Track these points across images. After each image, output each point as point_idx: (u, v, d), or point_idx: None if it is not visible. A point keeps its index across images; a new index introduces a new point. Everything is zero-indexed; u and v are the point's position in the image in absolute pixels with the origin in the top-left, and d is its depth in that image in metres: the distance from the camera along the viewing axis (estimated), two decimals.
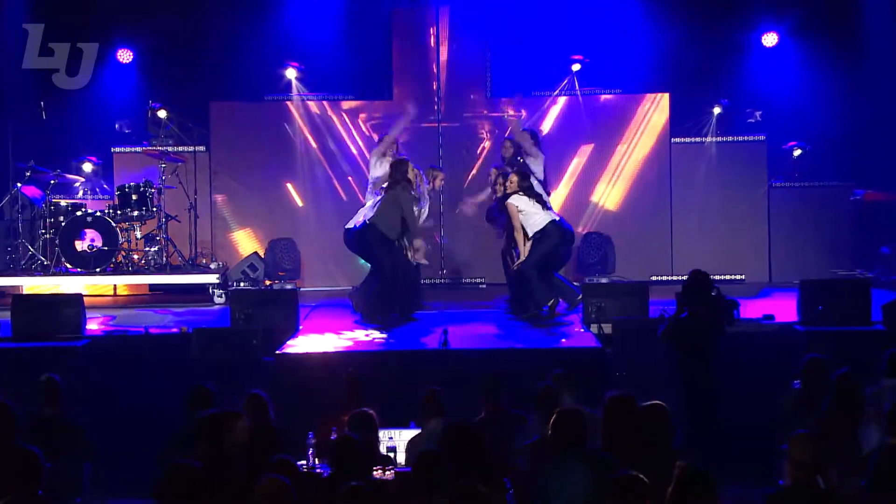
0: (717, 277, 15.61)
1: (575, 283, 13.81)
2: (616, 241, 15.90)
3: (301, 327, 12.50)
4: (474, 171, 16.30)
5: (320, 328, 12.64)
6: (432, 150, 16.15)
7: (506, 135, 14.78)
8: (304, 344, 11.79)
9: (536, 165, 13.40)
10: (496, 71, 16.55)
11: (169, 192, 15.47)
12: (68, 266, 14.81)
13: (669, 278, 15.44)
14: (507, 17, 16.28)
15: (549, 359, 10.71)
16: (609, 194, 16.51)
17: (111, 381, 11.43)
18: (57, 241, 14.74)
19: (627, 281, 14.60)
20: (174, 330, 12.40)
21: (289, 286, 14.90)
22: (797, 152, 16.24)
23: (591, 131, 16.54)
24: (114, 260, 14.89)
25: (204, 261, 15.53)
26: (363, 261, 14.22)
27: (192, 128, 15.98)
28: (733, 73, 16.51)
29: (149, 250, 15.15)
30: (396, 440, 8.61)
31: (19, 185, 15.14)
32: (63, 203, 15.10)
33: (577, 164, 16.50)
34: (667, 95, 16.43)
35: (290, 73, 16.42)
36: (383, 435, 8.51)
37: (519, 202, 12.64)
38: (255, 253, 15.81)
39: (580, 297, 12.78)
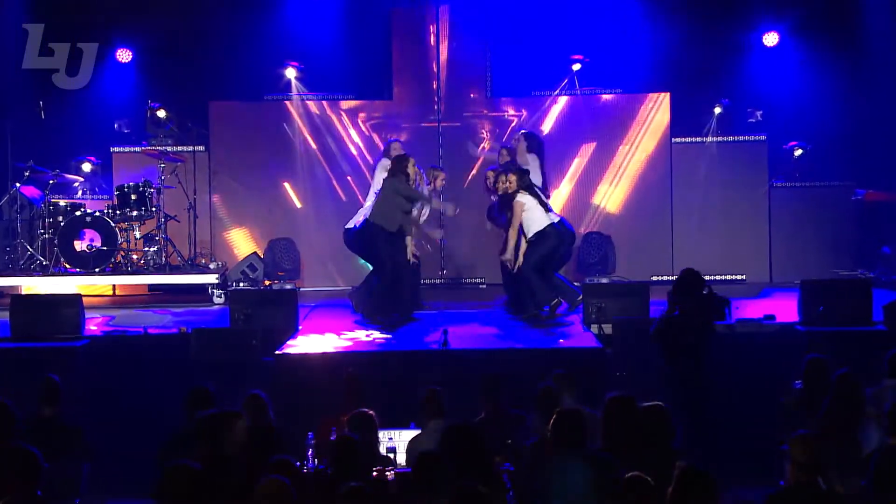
0: (717, 277, 15.81)
1: (575, 284, 13.80)
2: (616, 241, 15.87)
3: (300, 327, 12.48)
4: (474, 171, 16.27)
5: (320, 328, 12.62)
6: (432, 150, 16.13)
7: (502, 141, 14.78)
8: (304, 344, 11.77)
9: (533, 171, 13.37)
10: (496, 70, 16.53)
11: (168, 191, 15.45)
12: (67, 266, 14.79)
13: (670, 278, 15.20)
14: (507, 16, 16.26)
15: (549, 359, 10.70)
16: (610, 195, 16.48)
17: (110, 381, 11.44)
18: (56, 241, 14.72)
19: (628, 281, 14.58)
20: (173, 330, 12.40)
21: (288, 286, 14.89)
22: (798, 152, 16.22)
23: (592, 131, 16.51)
24: (113, 260, 14.86)
25: (203, 261, 15.50)
26: (363, 261, 14.22)
27: (191, 127, 15.95)
28: (734, 73, 16.48)
29: (148, 250, 15.12)
30: (396, 440, 8.58)
31: (18, 184, 15.12)
32: (62, 203, 15.08)
33: (578, 164, 16.47)
34: (667, 95, 16.40)
35: (290, 73, 16.40)
36: (383, 435, 8.49)
37: (526, 199, 12.60)
38: (255, 253, 15.79)
39: (580, 297, 12.77)
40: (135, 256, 15.16)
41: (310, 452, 8.27)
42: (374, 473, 7.71)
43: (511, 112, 16.55)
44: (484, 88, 16.62)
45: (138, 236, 15.25)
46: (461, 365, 10.95)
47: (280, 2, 16.32)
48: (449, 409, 8.70)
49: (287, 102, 16.56)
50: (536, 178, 13.37)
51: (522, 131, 14.44)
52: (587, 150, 16.47)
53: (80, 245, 14.80)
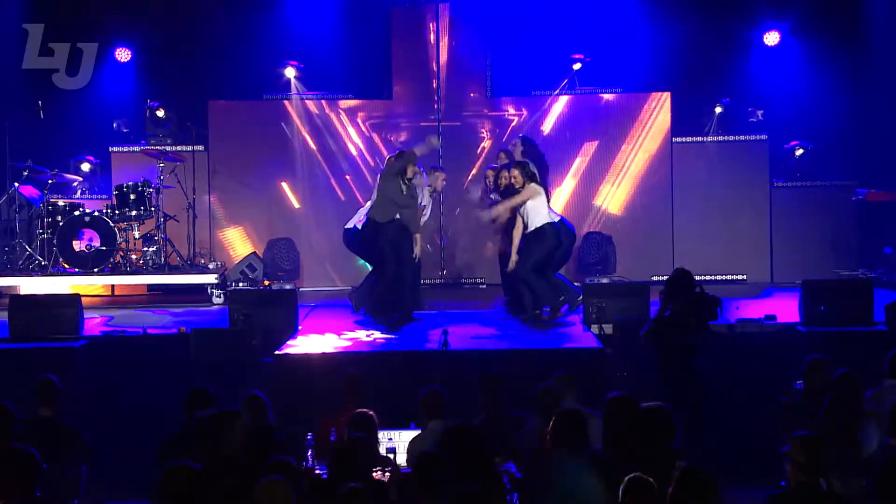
0: (718, 277, 15.82)
1: (576, 284, 13.77)
2: (617, 240, 15.85)
3: (300, 328, 12.46)
4: (474, 171, 16.26)
5: (319, 328, 12.60)
6: (432, 150, 16.06)
7: (502, 141, 14.74)
8: (303, 344, 11.74)
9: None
10: (496, 70, 16.51)
11: (167, 191, 15.43)
12: (66, 266, 14.77)
13: None
14: (507, 15, 16.24)
15: (549, 359, 10.66)
16: (612, 194, 16.45)
17: (109, 381, 11.44)
18: (55, 241, 14.70)
19: (628, 281, 14.55)
20: (172, 330, 12.38)
21: (288, 286, 14.86)
22: (799, 152, 16.20)
23: (593, 131, 16.49)
24: (112, 260, 14.85)
25: (202, 261, 15.47)
26: (363, 261, 14.20)
27: (190, 127, 15.92)
28: (735, 72, 16.47)
29: (147, 250, 15.10)
30: (396, 441, 8.56)
31: (17, 184, 15.11)
32: (61, 203, 15.06)
33: (579, 164, 16.44)
34: (668, 95, 16.37)
35: (290, 72, 16.39)
36: (383, 436, 8.47)
37: (539, 189, 12.51)
38: (254, 253, 15.77)
39: (581, 297, 12.74)
40: (134, 256, 15.14)
41: (309, 453, 8.25)
42: (374, 474, 7.69)
43: (511, 111, 16.53)
44: (484, 88, 16.60)
45: (137, 236, 15.23)
46: (461, 365, 10.92)
47: (279, 1, 16.32)
48: (449, 409, 8.68)
49: (286, 102, 16.54)
50: None
51: (520, 136, 14.37)
52: (588, 150, 16.45)
53: (78, 245, 14.78)
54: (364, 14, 16.36)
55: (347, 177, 16.43)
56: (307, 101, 16.53)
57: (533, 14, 16.20)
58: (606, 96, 16.56)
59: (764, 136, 16.26)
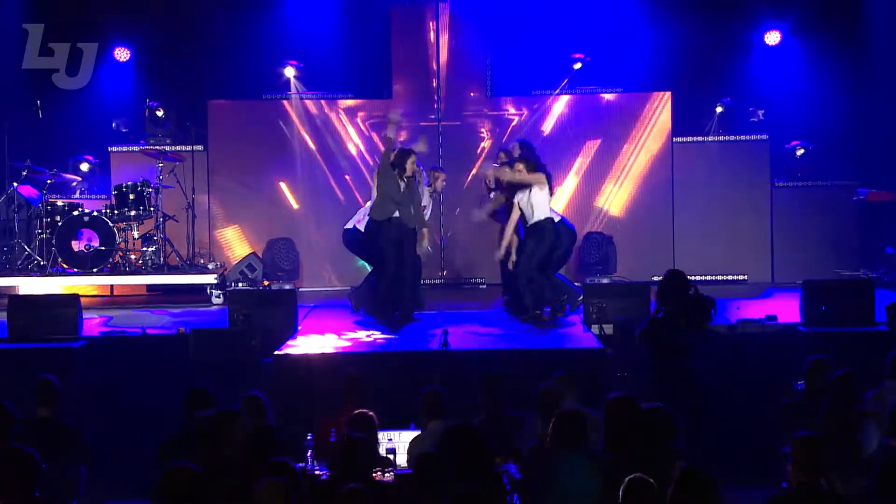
0: (719, 277, 15.81)
1: (576, 284, 13.75)
2: (617, 240, 15.82)
3: (300, 328, 12.43)
4: (474, 171, 16.23)
5: (319, 329, 12.57)
6: (432, 149, 16.01)
7: (502, 140, 14.70)
8: (303, 345, 11.72)
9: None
10: (496, 69, 16.49)
11: (166, 191, 15.40)
12: (65, 266, 14.75)
13: None
14: (507, 14, 16.22)
15: (549, 360, 10.64)
16: (613, 194, 16.41)
17: (108, 382, 11.43)
18: (53, 241, 14.67)
19: (629, 281, 14.51)
20: (172, 331, 12.36)
21: (287, 286, 14.83)
22: (800, 151, 16.18)
23: (594, 131, 16.46)
24: (111, 260, 14.82)
25: (202, 261, 15.44)
26: (362, 262, 14.17)
27: (189, 126, 15.89)
28: (735, 72, 16.44)
29: (146, 250, 15.07)
30: (396, 441, 8.55)
31: (15, 184, 15.08)
32: (60, 203, 15.04)
33: (580, 163, 16.40)
34: (669, 94, 16.35)
35: (289, 72, 16.36)
36: (383, 436, 8.46)
37: (545, 180, 12.46)
38: (254, 253, 15.75)
39: (581, 297, 12.72)
40: (133, 256, 15.11)
41: (308, 454, 8.23)
42: (374, 475, 7.68)
43: (511, 111, 16.50)
44: (484, 87, 16.58)
45: (136, 236, 15.20)
46: (461, 365, 10.90)
47: (279, 0, 16.29)
48: (449, 409, 8.67)
49: (286, 102, 16.52)
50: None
51: (517, 140, 14.26)
52: (589, 150, 16.41)
53: (77, 245, 14.76)
54: (364, 13, 16.34)
55: (347, 176, 16.40)
56: (306, 101, 16.50)
57: (533, 13, 16.18)
58: (607, 96, 16.54)
59: (765, 136, 16.24)
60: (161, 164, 15.29)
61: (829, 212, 16.06)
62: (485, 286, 16.01)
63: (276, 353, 11.30)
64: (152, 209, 15.07)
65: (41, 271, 14.68)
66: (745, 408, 10.86)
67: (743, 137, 16.27)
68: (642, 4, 16.14)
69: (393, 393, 10.18)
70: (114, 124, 16.34)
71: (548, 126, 16.36)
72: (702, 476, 6.15)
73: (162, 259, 15.05)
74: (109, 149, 16.31)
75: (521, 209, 12.50)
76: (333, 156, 16.44)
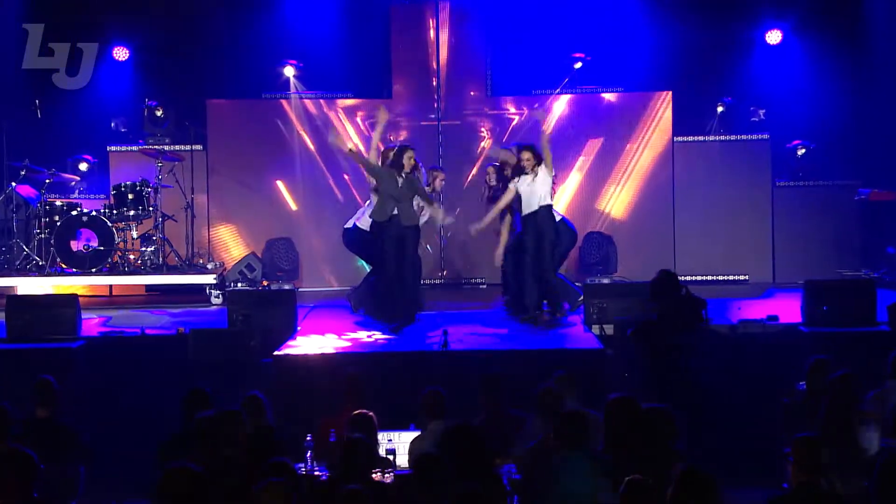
0: (720, 277, 15.77)
1: (577, 284, 13.71)
2: (618, 240, 15.78)
3: (299, 328, 12.40)
4: (474, 171, 16.20)
5: (319, 329, 12.55)
6: (432, 149, 16.04)
7: (502, 140, 14.67)
8: (303, 345, 11.69)
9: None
10: (497, 68, 16.46)
11: (165, 191, 15.38)
12: (64, 266, 14.72)
13: None
14: (507, 13, 16.19)
15: (549, 360, 10.61)
16: (615, 194, 16.36)
17: (107, 382, 11.41)
18: (52, 241, 14.65)
19: (629, 281, 14.47)
20: (171, 331, 12.34)
21: (287, 286, 14.81)
22: (801, 151, 16.15)
23: (594, 130, 16.42)
24: (110, 260, 14.79)
25: (201, 261, 15.42)
26: (362, 261, 14.14)
27: (188, 126, 15.85)
28: (736, 71, 16.42)
29: (145, 250, 15.04)
30: (396, 442, 8.53)
31: (14, 184, 15.06)
32: (58, 202, 15.02)
33: (581, 163, 16.34)
34: (669, 94, 16.32)
35: (289, 71, 16.33)
36: (382, 437, 8.45)
37: (548, 174, 12.44)
38: (253, 253, 15.72)
39: (581, 297, 12.69)
40: (132, 256, 15.08)
41: (308, 455, 8.20)
42: (374, 475, 7.65)
43: (512, 110, 16.48)
44: (484, 86, 16.54)
45: (135, 236, 15.17)
46: (461, 366, 10.87)
47: None
48: (449, 409, 8.65)
49: (285, 101, 16.48)
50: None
51: (515, 144, 14.17)
52: (590, 149, 16.36)
53: (76, 245, 14.74)
54: (363, 12, 16.31)
55: (346, 176, 16.35)
56: (306, 101, 16.46)
57: (533, 12, 16.15)
58: (608, 96, 16.50)
59: (766, 136, 16.20)
60: (160, 164, 15.26)
61: (830, 211, 16.02)
62: (485, 286, 15.98)
63: (276, 353, 11.28)
64: (151, 209, 15.04)
65: (40, 271, 14.65)
66: (745, 408, 10.85)
67: (744, 137, 16.23)
68: (643, 4, 16.11)
69: (393, 393, 10.16)
70: (112, 124, 16.31)
71: (548, 125, 16.27)
72: (702, 476, 6.15)
73: (161, 259, 15.02)
74: (108, 148, 16.28)
75: (519, 194, 12.41)
76: (333, 155, 16.38)
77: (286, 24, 16.21)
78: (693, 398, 10.02)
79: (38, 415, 8.92)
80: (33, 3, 16.30)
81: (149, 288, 15.41)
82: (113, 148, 16.27)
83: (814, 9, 16.15)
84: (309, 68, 16.38)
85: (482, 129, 16.55)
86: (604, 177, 16.39)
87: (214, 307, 14.32)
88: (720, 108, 16.19)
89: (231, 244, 16.40)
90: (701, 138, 16.35)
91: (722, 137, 16.26)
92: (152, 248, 15.03)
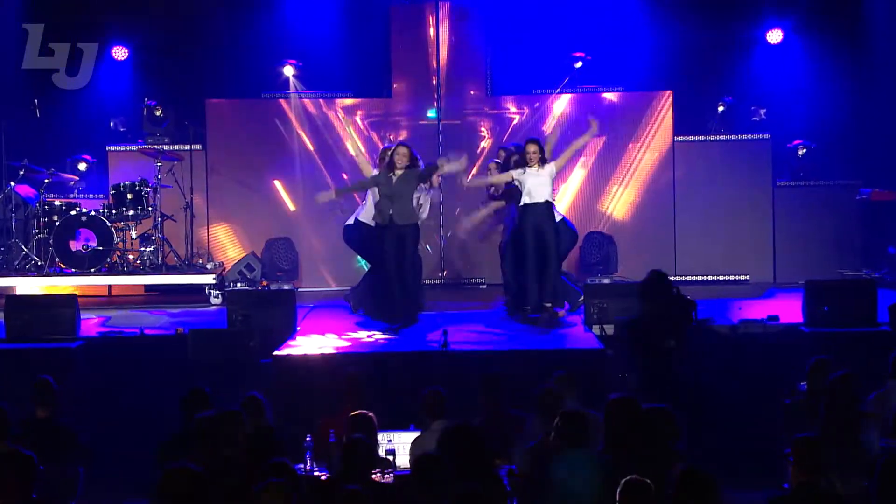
0: (721, 277, 15.78)
1: (577, 284, 13.69)
2: (618, 240, 15.75)
3: (299, 328, 12.38)
4: (474, 171, 16.13)
5: (318, 329, 12.53)
6: (432, 149, 16.00)
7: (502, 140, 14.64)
8: (302, 345, 11.67)
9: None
10: (497, 67, 16.43)
11: (165, 191, 15.35)
12: (62, 266, 14.70)
13: (673, 279, 15.21)
14: (508, 12, 16.17)
15: (549, 360, 10.60)
16: (617, 194, 16.33)
17: (106, 383, 11.41)
18: (51, 241, 14.62)
19: (630, 281, 14.42)
20: (170, 331, 12.33)
21: (286, 287, 14.78)
22: (802, 151, 16.13)
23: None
24: (109, 260, 14.76)
25: (200, 261, 15.40)
26: (361, 261, 14.11)
27: (188, 126, 15.84)
28: (737, 71, 16.40)
29: (144, 250, 15.02)
30: (396, 443, 8.52)
31: (13, 183, 15.03)
32: (57, 202, 15.00)
33: (582, 163, 16.29)
34: (670, 93, 16.30)
35: (288, 71, 16.30)
36: (382, 437, 8.43)
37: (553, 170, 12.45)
38: (252, 253, 15.69)
39: (582, 297, 12.67)
40: (131, 256, 15.06)
41: (308, 455, 8.19)
42: (374, 476, 7.64)
43: (512, 110, 16.45)
44: (484, 86, 16.52)
45: (134, 236, 15.14)
46: (461, 366, 10.86)
47: None
48: (449, 409, 8.65)
49: (284, 101, 16.45)
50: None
51: (512, 144, 14.14)
52: (591, 149, 16.29)
53: (75, 245, 14.73)
54: (363, 12, 16.29)
55: (345, 176, 16.29)
56: (305, 100, 16.43)
57: (534, 12, 16.12)
58: (608, 95, 16.47)
59: (767, 135, 16.18)
60: (159, 164, 15.23)
61: (831, 211, 16.00)
62: (485, 286, 15.96)
63: (276, 353, 11.26)
64: (150, 209, 15.02)
65: (38, 271, 14.62)
66: (746, 408, 10.84)
67: (745, 137, 16.20)
68: (643, 3, 16.09)
69: (392, 394, 10.16)
70: (112, 123, 16.29)
71: (549, 125, 16.29)
72: (702, 476, 6.17)
73: (160, 259, 15.00)
74: (107, 148, 16.25)
75: (518, 186, 12.38)
76: (332, 155, 16.38)
77: (286, 23, 16.18)
78: (684, 399, 9.99)
79: (38, 415, 8.92)
80: (33, 3, 16.29)
81: (148, 288, 15.38)
82: (112, 148, 16.25)
83: (814, 8, 16.13)
84: (308, 68, 16.36)
85: (482, 129, 16.53)
86: (606, 176, 16.36)
87: (214, 307, 14.31)
88: (721, 108, 16.17)
89: (230, 244, 16.38)
90: (701, 138, 16.32)
91: (723, 137, 16.24)
92: (151, 248, 15.01)
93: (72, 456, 8.77)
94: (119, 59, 16.48)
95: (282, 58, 16.24)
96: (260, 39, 16.11)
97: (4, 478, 6.47)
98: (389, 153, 12.49)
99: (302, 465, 8.06)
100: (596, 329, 12.06)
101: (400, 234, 12.32)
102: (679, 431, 7.73)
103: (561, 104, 16.35)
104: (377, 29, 16.44)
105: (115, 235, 14.74)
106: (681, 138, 16.32)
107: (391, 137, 15.92)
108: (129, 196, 14.90)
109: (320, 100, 16.46)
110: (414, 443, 8.41)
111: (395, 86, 16.52)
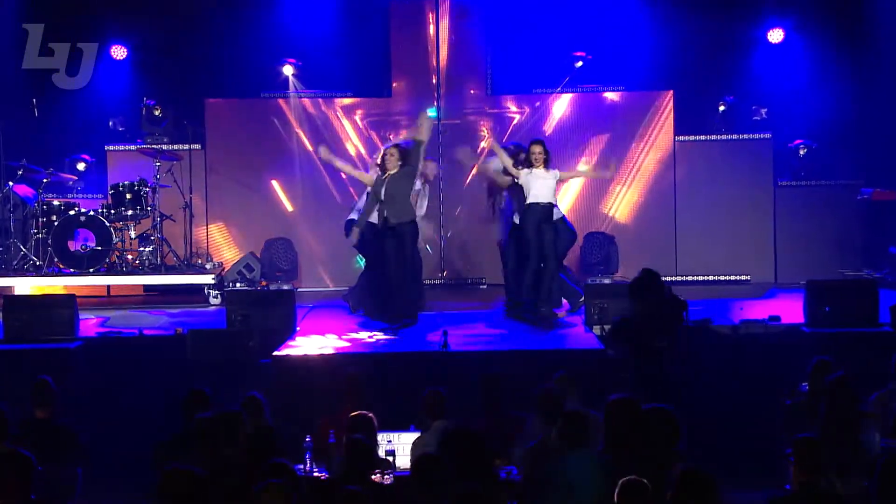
0: (722, 278, 15.76)
1: (578, 283, 13.67)
2: (619, 240, 15.74)
3: (298, 328, 12.37)
4: (474, 170, 16.12)
5: (318, 329, 12.52)
6: (432, 148, 15.93)
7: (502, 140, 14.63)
8: (302, 345, 11.66)
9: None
10: (497, 67, 16.42)
11: (164, 190, 15.33)
12: (61, 266, 14.68)
13: (673, 279, 15.28)
14: (508, 11, 16.15)
15: (550, 360, 10.60)
16: (620, 194, 16.30)
17: (105, 383, 11.39)
18: (50, 241, 14.60)
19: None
20: (169, 331, 12.32)
21: (285, 287, 14.76)
22: (803, 150, 16.11)
23: (596, 129, 16.37)
24: (107, 260, 14.74)
25: (199, 261, 15.38)
26: (361, 261, 14.09)
27: (187, 125, 15.82)
28: (738, 70, 16.38)
29: (143, 250, 15.00)
30: (395, 443, 8.51)
31: (11, 183, 15.02)
32: (56, 202, 14.99)
33: (584, 162, 16.25)
34: (671, 93, 16.28)
35: (287, 70, 16.28)
36: (382, 438, 8.43)
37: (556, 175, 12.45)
38: (251, 253, 15.66)
39: (582, 298, 12.65)
40: (130, 256, 15.04)
41: (307, 456, 8.17)
42: (373, 477, 7.63)
43: (513, 109, 16.43)
44: (485, 85, 16.50)
45: (133, 236, 15.12)
46: (461, 366, 10.85)
47: None
48: (449, 410, 8.65)
49: (283, 100, 16.43)
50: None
51: (513, 144, 14.13)
52: (593, 149, 16.29)
53: (74, 245, 14.71)
54: (363, 10, 16.26)
55: (343, 176, 16.26)
56: (304, 100, 16.41)
57: (534, 10, 16.11)
58: (609, 95, 16.46)
59: (768, 135, 16.17)
60: (158, 163, 15.21)
61: (832, 211, 15.98)
62: (485, 286, 15.95)
63: (275, 353, 11.26)
64: (149, 209, 15.00)
65: (37, 271, 14.60)
66: (746, 408, 10.82)
67: (746, 136, 16.19)
68: (644, 2, 16.08)
69: (392, 394, 10.14)
70: (111, 123, 16.29)
71: (549, 125, 16.28)
72: (702, 476, 6.17)
73: (159, 259, 14.98)
74: (106, 148, 16.25)
75: (523, 184, 12.37)
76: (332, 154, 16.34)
77: (285, 22, 16.16)
78: (676, 398, 9.95)
79: (37, 415, 8.90)
80: (33, 3, 16.28)
81: (147, 288, 15.37)
82: (111, 147, 16.24)
83: (816, 7, 16.12)
84: (308, 67, 16.34)
85: (482, 128, 16.50)
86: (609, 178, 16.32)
87: (213, 307, 14.30)
88: (722, 108, 16.16)
89: (229, 244, 16.36)
90: (703, 137, 16.31)
91: (724, 137, 16.23)
92: (150, 248, 14.99)
93: (70, 456, 8.75)
94: (118, 58, 16.48)
95: (281, 57, 16.22)
96: (259, 39, 16.10)
97: (3, 478, 6.48)
98: (380, 156, 12.52)
99: (302, 466, 8.06)
100: (596, 329, 12.05)
101: (398, 234, 12.31)
102: (679, 431, 7.70)
103: (561, 104, 16.34)
104: (377, 28, 16.41)
105: (113, 235, 14.72)
106: (682, 138, 16.31)
107: (391, 137, 15.88)
108: (128, 196, 14.88)
109: (319, 99, 16.44)
110: (414, 443, 8.41)
111: (394, 85, 16.50)
